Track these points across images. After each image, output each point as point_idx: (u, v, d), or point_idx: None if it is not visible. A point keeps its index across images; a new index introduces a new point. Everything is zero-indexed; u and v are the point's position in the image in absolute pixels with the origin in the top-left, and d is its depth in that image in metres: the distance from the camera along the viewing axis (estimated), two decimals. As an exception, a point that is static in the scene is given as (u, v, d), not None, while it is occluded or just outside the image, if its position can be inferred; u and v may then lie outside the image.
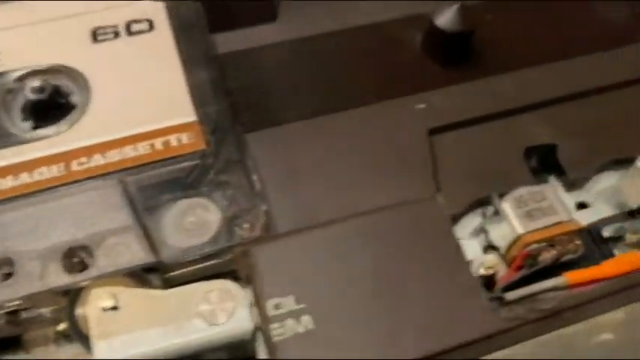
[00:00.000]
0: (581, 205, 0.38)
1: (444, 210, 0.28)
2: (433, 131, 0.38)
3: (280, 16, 0.42)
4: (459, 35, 0.39)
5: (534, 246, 0.32)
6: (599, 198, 0.38)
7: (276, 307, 0.24)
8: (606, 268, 0.32)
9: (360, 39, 0.41)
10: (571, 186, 0.38)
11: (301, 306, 0.24)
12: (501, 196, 0.33)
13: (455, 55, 0.40)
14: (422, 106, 0.39)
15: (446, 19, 0.38)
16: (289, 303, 0.24)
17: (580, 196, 0.38)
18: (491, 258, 0.33)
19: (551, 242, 0.32)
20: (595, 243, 0.35)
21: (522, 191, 0.33)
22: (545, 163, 0.38)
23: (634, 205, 0.35)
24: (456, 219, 0.35)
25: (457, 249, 0.27)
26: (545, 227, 0.32)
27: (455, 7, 0.38)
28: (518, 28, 0.43)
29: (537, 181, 0.37)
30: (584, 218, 0.36)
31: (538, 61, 0.41)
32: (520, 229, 0.32)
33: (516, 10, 0.44)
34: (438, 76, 0.40)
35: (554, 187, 0.34)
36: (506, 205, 0.32)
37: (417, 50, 0.41)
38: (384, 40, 0.42)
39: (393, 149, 0.37)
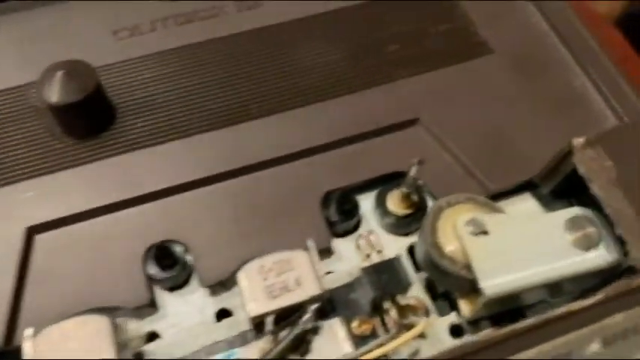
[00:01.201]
0: (224, 313, 0.30)
1: None
2: (35, 229, 0.31)
3: None
4: (71, 107, 0.31)
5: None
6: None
7: None
8: None
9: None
10: (218, 288, 0.30)
11: None
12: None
13: (81, 127, 0.33)
14: (30, 194, 0.32)
15: (51, 90, 0.31)
16: None
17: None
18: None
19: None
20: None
21: (61, 325, 0.25)
22: (167, 267, 0.30)
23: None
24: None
25: None
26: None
27: (59, 74, 0.31)
28: (185, 88, 0.35)
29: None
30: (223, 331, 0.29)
31: (196, 129, 0.34)
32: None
33: (192, 65, 0.36)
34: (66, 154, 0.33)
35: (104, 320, 0.26)
36: (27, 346, 0.25)
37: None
38: (19, 108, 0.34)
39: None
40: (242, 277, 0.26)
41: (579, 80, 0.36)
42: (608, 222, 0.27)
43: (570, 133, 0.30)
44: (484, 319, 0.30)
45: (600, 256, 0.27)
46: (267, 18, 0.37)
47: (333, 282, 0.30)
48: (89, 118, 0.32)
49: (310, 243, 0.27)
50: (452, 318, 0.30)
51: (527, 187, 0.33)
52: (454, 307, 0.30)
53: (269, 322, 0.26)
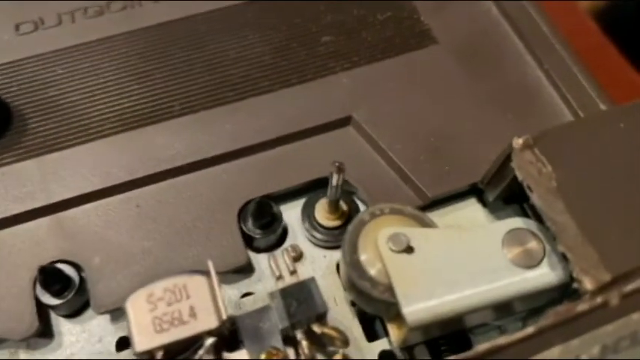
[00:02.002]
0: (125, 342, 0.27)
1: None
2: None
3: None
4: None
5: None
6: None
7: None
8: None
9: None
10: (119, 314, 0.27)
11: None
12: None
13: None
14: None
15: None
16: None
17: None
18: None
19: None
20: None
21: None
22: (58, 293, 0.27)
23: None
24: None
25: None
26: None
27: None
28: (95, 86, 0.32)
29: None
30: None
31: (103, 132, 0.30)
32: None
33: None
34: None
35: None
36: None
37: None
38: None
39: None
40: (128, 307, 0.23)
41: (533, 73, 0.32)
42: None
43: (521, 131, 0.27)
44: (420, 344, 0.26)
45: (543, 276, 0.24)
46: (186, 7, 0.33)
47: (251, 305, 0.27)
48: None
49: (210, 264, 0.23)
50: (383, 344, 0.27)
51: (472, 192, 0.29)
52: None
53: (158, 357, 0.22)
